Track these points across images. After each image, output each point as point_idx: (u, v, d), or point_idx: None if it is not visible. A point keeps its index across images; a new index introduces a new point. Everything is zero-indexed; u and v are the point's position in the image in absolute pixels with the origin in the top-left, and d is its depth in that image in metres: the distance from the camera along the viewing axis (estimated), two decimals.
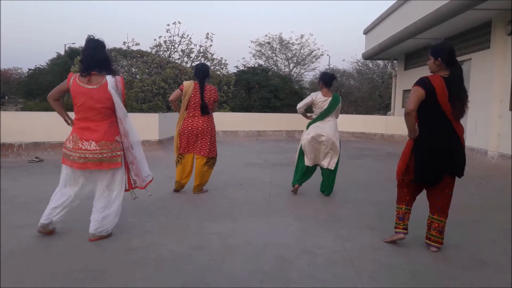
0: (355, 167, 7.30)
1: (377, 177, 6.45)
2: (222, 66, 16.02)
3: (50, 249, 3.01)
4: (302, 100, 4.98)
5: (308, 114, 5.00)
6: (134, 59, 14.22)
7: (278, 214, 4.10)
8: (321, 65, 32.87)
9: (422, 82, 2.96)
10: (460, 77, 3.01)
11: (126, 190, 3.41)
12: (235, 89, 16.26)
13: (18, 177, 5.71)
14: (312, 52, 25.80)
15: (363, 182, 5.94)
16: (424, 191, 3.24)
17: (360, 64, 25.91)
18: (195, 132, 4.75)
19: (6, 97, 35.21)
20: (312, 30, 75.70)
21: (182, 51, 15.11)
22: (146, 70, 13.72)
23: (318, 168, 4.97)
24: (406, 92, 13.58)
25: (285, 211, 4.23)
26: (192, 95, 4.71)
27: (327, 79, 4.83)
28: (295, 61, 26.27)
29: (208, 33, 14.76)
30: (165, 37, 15.14)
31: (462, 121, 3.08)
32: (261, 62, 24.38)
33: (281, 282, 2.56)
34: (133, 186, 3.45)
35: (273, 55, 26.22)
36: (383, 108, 23.03)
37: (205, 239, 3.31)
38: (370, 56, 14.80)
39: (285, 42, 25.52)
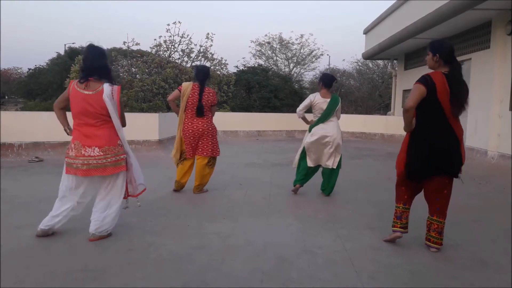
0: (355, 167, 7.30)
1: (377, 177, 6.46)
2: (222, 66, 16.04)
3: (50, 249, 3.01)
4: (302, 100, 4.99)
5: (309, 119, 4.99)
6: (134, 59, 14.20)
7: (278, 214, 4.10)
8: (321, 65, 33.01)
9: (424, 80, 2.97)
10: (460, 74, 3.03)
11: (124, 197, 3.40)
12: (235, 89, 16.25)
13: (18, 177, 5.71)
14: (312, 52, 25.86)
15: (363, 182, 5.94)
16: (423, 192, 3.24)
17: (360, 64, 25.98)
18: (196, 134, 4.76)
19: (6, 97, 35.18)
20: (312, 30, 75.76)
21: (182, 51, 15.13)
22: (146, 70, 13.70)
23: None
24: (406, 92, 13.58)
25: (285, 211, 4.23)
26: (190, 96, 4.71)
27: (327, 80, 4.85)
28: (295, 61, 26.30)
29: (208, 33, 14.82)
30: (165, 37, 15.21)
31: (462, 121, 3.09)
32: (261, 62, 24.41)
33: (281, 282, 2.56)
34: (128, 194, 3.44)
35: (273, 55, 26.26)
36: (383, 108, 23.05)
37: (205, 239, 3.31)
38: (370, 56, 14.81)
39: (285, 42, 25.56)
